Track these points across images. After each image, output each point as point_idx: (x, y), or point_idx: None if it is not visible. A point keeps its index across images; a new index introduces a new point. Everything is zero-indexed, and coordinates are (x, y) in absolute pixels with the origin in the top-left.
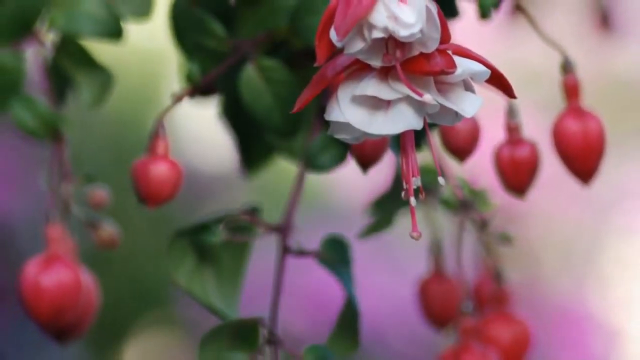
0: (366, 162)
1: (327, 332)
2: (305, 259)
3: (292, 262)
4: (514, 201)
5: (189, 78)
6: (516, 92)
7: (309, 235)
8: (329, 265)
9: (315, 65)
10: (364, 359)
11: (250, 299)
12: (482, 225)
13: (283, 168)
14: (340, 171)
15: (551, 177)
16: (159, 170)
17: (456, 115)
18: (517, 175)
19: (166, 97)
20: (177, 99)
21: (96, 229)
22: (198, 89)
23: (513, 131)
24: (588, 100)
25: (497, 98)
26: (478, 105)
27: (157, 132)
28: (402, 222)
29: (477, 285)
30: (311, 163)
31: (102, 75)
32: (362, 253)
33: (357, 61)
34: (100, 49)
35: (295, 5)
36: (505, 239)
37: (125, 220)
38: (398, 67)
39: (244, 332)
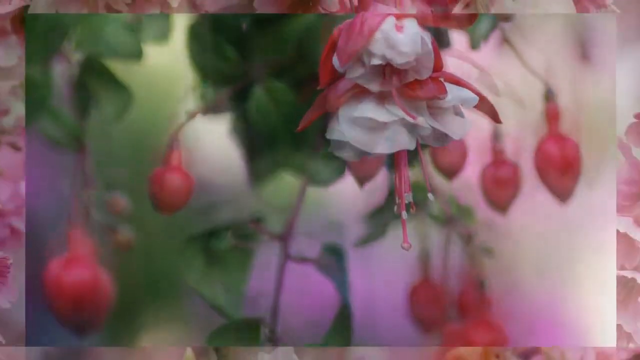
0: (363, 178)
1: (323, 332)
2: (305, 265)
3: (292, 266)
4: (496, 216)
5: (203, 97)
6: (501, 117)
7: (309, 243)
8: (326, 272)
9: (319, 88)
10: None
11: (253, 300)
12: (467, 238)
13: (287, 182)
14: (339, 185)
15: (531, 196)
16: (173, 180)
17: (446, 137)
18: (500, 193)
19: (181, 114)
20: (192, 115)
21: (114, 233)
22: (211, 107)
23: (498, 153)
24: (566, 126)
25: (484, 122)
26: (467, 129)
27: (172, 145)
28: (394, 234)
29: (462, 292)
30: (313, 178)
31: (122, 92)
32: (356, 261)
33: (357, 85)
34: (122, 68)
35: (301, 34)
36: (488, 251)
37: (141, 224)
38: (394, 92)
39: (247, 330)
